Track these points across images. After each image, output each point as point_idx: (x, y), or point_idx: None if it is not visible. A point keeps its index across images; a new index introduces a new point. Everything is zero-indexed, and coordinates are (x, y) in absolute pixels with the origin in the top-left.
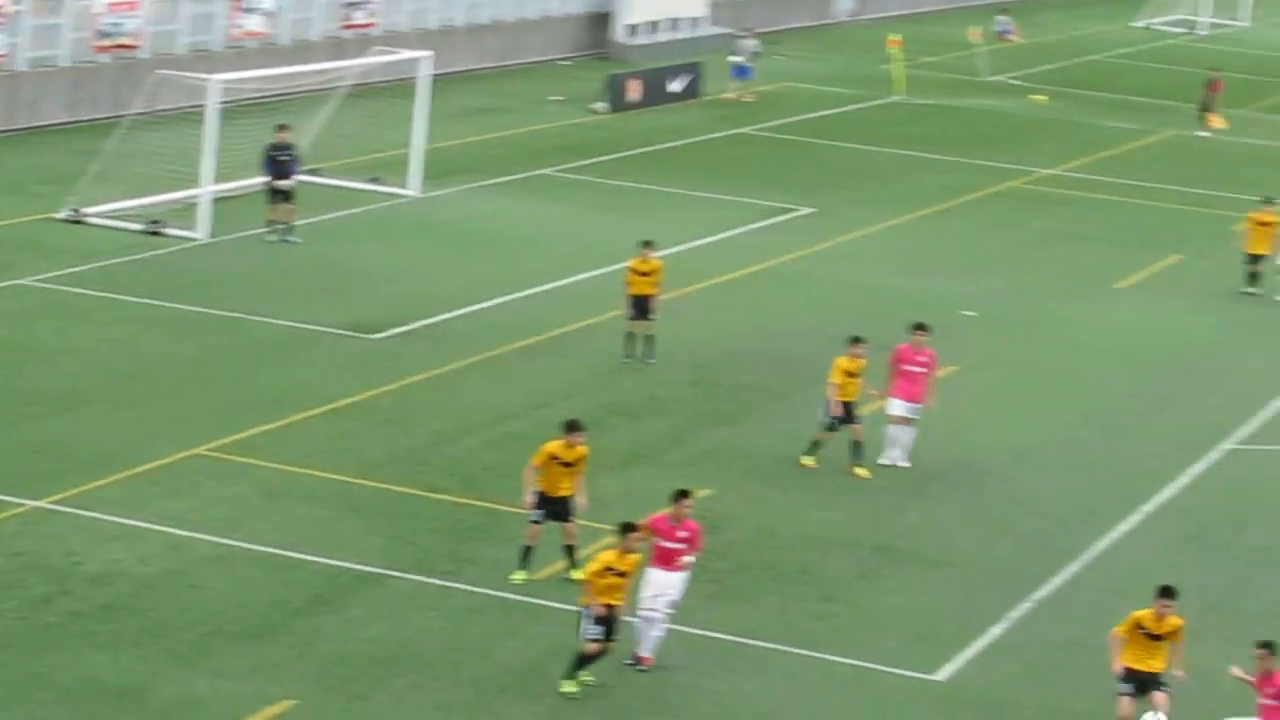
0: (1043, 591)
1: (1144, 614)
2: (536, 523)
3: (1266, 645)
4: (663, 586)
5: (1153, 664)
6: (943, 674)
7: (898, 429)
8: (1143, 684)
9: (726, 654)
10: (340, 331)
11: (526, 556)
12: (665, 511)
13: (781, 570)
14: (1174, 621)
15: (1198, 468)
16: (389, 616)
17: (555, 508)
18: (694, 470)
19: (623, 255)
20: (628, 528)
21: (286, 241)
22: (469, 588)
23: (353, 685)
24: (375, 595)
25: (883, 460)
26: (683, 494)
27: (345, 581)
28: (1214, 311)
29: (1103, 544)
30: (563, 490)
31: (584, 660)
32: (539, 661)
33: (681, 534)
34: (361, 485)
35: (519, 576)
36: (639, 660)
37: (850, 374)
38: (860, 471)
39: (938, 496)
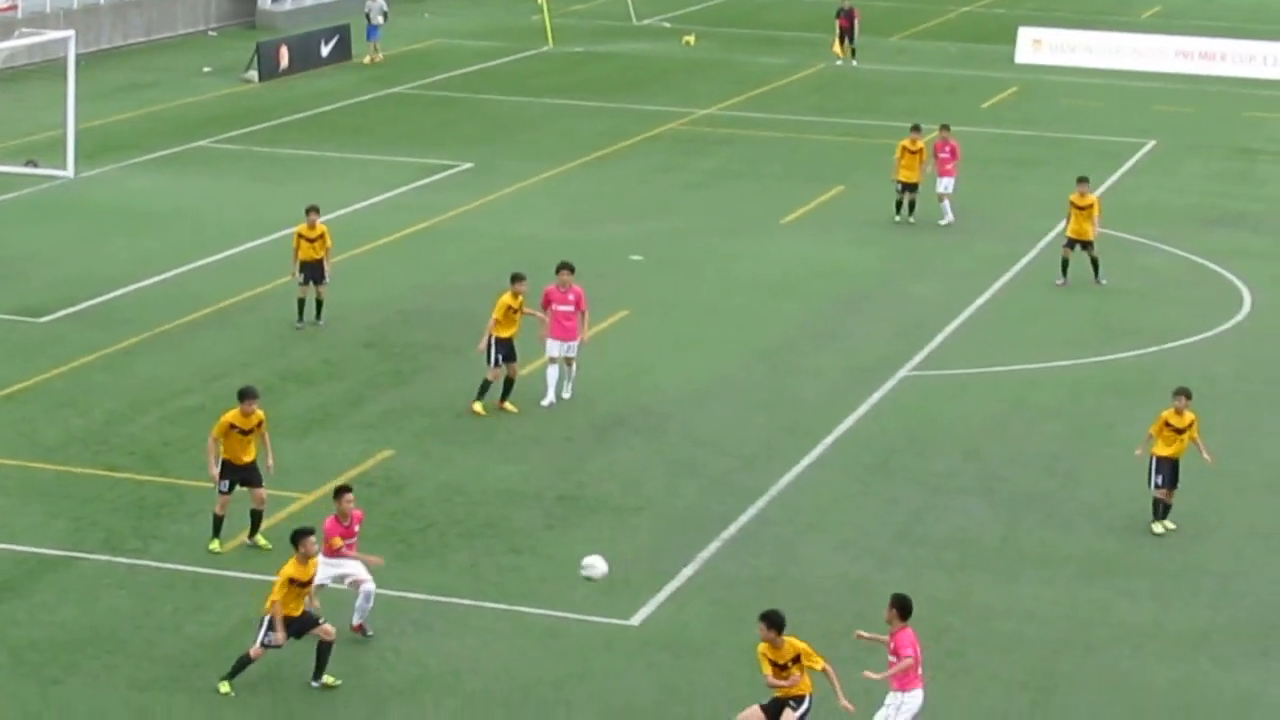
0: (730, 530)
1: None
2: (224, 493)
3: (899, 604)
4: (354, 570)
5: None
6: (637, 619)
7: (555, 369)
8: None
9: (422, 614)
10: (5, 317)
11: (219, 527)
12: (331, 515)
13: (469, 526)
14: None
15: (875, 397)
16: (78, 599)
17: (243, 474)
18: (373, 432)
19: (285, 223)
20: (301, 534)
21: None
22: (157, 564)
23: (46, 670)
24: (63, 578)
25: (543, 403)
26: (343, 490)
27: (31, 567)
28: (880, 241)
29: (787, 479)
30: (247, 457)
31: (245, 664)
32: (232, 634)
33: (355, 527)
34: (41, 469)
35: (214, 546)
36: (358, 629)
37: (512, 310)
38: (509, 408)
39: (619, 442)
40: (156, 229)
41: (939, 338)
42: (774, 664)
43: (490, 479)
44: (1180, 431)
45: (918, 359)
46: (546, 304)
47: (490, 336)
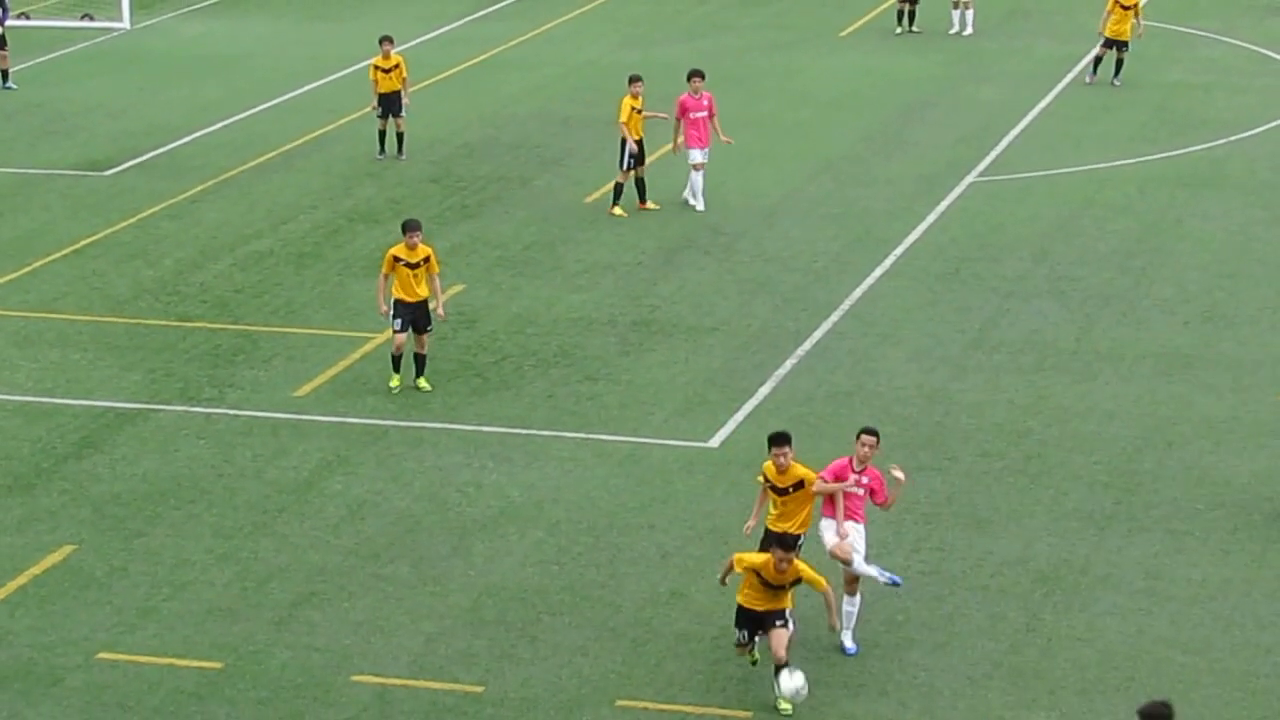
0: (805, 346)
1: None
2: (398, 331)
3: (872, 432)
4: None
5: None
6: (716, 440)
7: (698, 175)
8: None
9: (500, 446)
10: (71, 172)
11: (396, 364)
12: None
13: (543, 356)
14: None
15: (943, 205)
16: (157, 451)
17: (413, 313)
18: (444, 268)
19: (343, 63)
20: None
21: (3, 89)
22: (234, 412)
23: (130, 523)
24: (141, 431)
25: (698, 208)
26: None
27: (109, 421)
28: (940, 49)
29: (859, 292)
30: (419, 293)
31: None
32: (313, 478)
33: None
34: (113, 323)
35: (394, 383)
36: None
37: (636, 110)
38: (652, 206)
39: (690, 264)
40: (216, 75)
41: (1004, 142)
42: (768, 584)
43: (562, 308)
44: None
45: (984, 164)
46: (682, 113)
47: (623, 140)
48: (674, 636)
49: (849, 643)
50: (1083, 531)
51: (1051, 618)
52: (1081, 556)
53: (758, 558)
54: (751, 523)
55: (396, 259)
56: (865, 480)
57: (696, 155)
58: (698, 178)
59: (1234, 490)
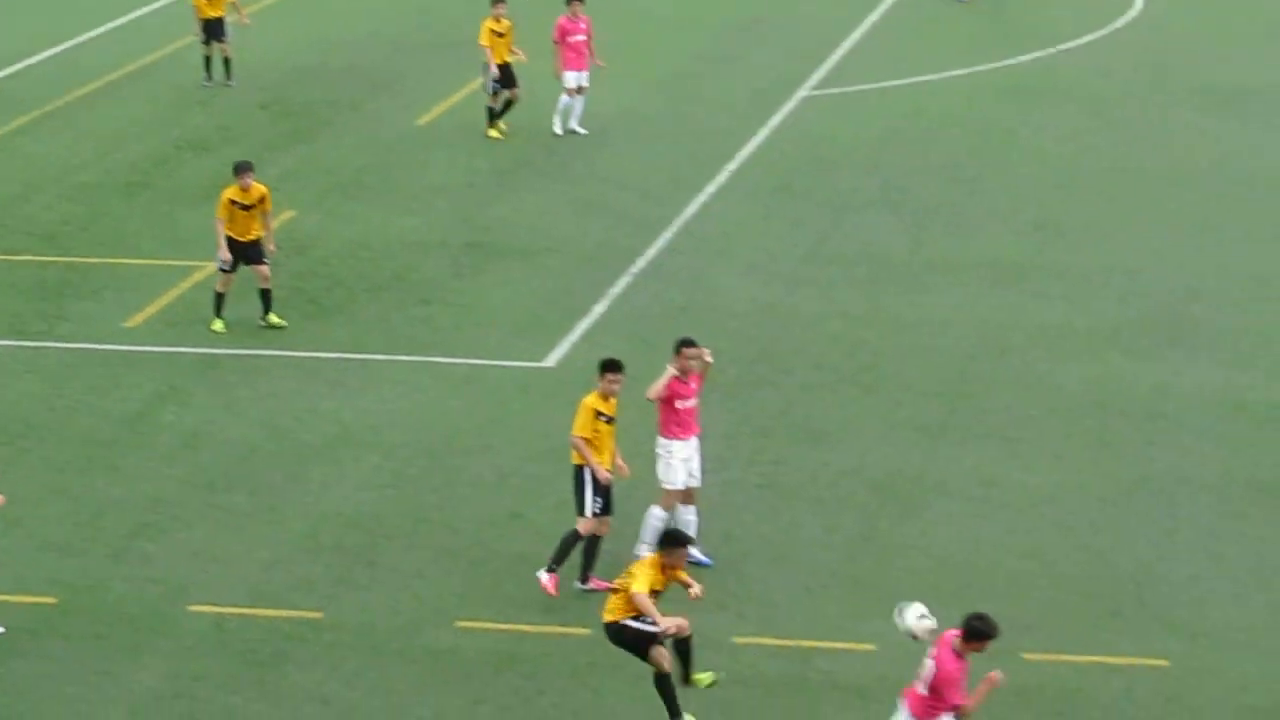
0: (639, 264)
1: None
2: (226, 270)
3: (690, 343)
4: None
5: None
6: (552, 359)
7: (572, 100)
8: None
9: (336, 372)
10: None
11: (219, 305)
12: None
13: (377, 280)
14: None
15: (775, 120)
16: None
17: (245, 252)
18: (275, 194)
19: None
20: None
21: None
22: (64, 345)
23: None
24: None
25: (556, 130)
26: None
27: None
28: None
29: (692, 209)
30: (252, 234)
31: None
32: (146, 409)
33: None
34: None
35: (217, 325)
36: None
37: (497, 34)
38: (498, 131)
39: (524, 185)
40: (37, 5)
41: (836, 55)
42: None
43: (395, 232)
44: None
45: (816, 78)
46: (560, 37)
47: (490, 64)
48: (512, 557)
49: (700, 555)
50: (918, 441)
51: (887, 527)
52: (916, 466)
53: (646, 576)
54: (603, 467)
55: (232, 201)
56: (694, 387)
57: (571, 79)
58: (574, 102)
59: (1066, 397)
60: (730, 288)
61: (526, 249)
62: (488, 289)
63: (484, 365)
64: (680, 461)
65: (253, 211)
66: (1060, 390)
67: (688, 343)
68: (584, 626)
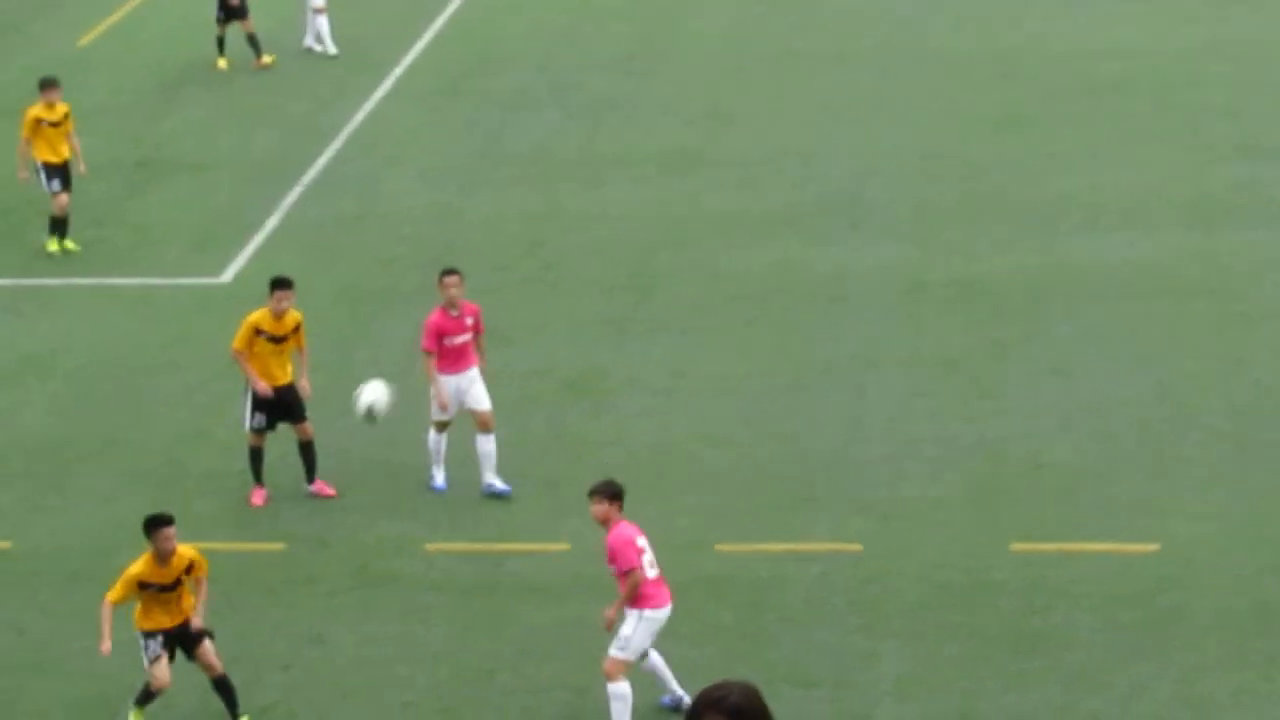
0: (310, 174)
1: None
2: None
3: (453, 271)
4: None
5: None
6: (228, 274)
7: (322, 18)
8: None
9: (9, 298)
10: None
11: None
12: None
13: (43, 206)
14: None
15: (440, 22)
16: None
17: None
18: None
19: None
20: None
21: None
22: None
23: None
24: None
25: (310, 45)
26: None
27: None
28: None
29: (360, 116)
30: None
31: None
32: None
33: None
34: None
35: None
36: None
37: None
38: (225, 62)
39: (189, 100)
40: None
41: None
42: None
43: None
44: None
45: None
46: None
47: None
48: (202, 474)
49: (500, 484)
50: (604, 336)
51: (578, 424)
52: (604, 361)
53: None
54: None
55: (38, 120)
56: (470, 321)
57: None
58: (321, 21)
59: (748, 283)
60: (404, 193)
61: (198, 164)
62: (160, 206)
63: (161, 284)
64: (451, 394)
65: (60, 129)
66: (741, 278)
67: (448, 271)
68: (276, 541)
